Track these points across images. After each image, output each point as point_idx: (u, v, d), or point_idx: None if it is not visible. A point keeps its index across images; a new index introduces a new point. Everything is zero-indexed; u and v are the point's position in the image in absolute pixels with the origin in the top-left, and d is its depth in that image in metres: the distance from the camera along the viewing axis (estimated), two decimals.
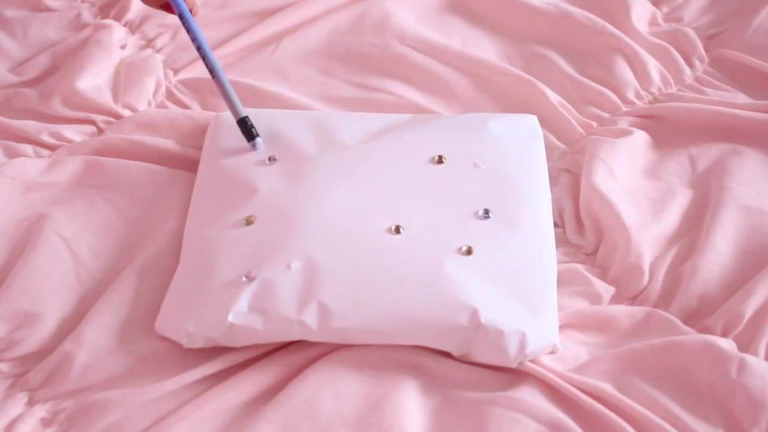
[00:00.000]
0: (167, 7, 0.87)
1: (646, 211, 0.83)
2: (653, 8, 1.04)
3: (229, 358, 0.72)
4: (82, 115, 0.92)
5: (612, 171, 0.85)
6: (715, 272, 0.78)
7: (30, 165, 0.87)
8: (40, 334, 0.75)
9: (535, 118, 0.89)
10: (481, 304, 0.71)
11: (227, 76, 0.96)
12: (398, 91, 0.95)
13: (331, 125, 0.87)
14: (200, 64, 0.98)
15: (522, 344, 0.70)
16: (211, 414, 0.69)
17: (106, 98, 0.93)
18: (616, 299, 0.78)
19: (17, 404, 0.71)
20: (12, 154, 0.89)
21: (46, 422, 0.70)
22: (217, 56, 0.98)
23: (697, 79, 0.96)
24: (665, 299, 0.77)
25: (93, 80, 0.94)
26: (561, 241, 0.82)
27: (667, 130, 0.91)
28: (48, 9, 1.05)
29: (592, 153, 0.87)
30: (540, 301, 0.74)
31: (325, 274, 0.73)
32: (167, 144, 0.89)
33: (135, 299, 0.76)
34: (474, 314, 0.70)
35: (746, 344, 0.73)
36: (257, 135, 0.84)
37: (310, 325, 0.71)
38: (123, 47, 0.99)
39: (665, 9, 1.04)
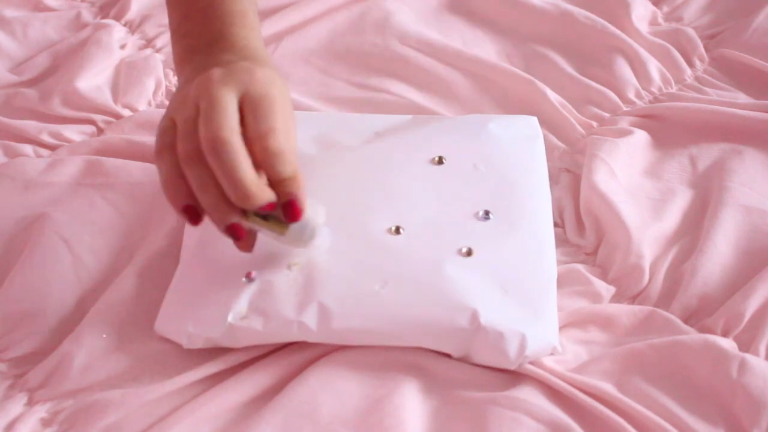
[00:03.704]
0: None
1: (646, 210, 0.83)
2: (653, 8, 1.04)
3: (229, 359, 0.72)
4: (82, 115, 0.92)
5: (612, 171, 0.85)
6: (715, 272, 0.78)
7: (30, 165, 0.87)
8: (40, 335, 0.75)
9: (535, 119, 0.89)
10: (481, 306, 0.71)
11: None
12: (398, 91, 0.95)
13: (332, 126, 0.87)
14: None
15: (522, 346, 0.70)
16: (211, 414, 0.69)
17: (106, 98, 0.93)
18: (616, 299, 0.78)
19: (17, 404, 0.71)
20: (12, 154, 0.89)
21: (45, 422, 0.70)
22: None
23: (698, 79, 0.96)
24: (666, 299, 0.77)
25: (93, 80, 0.94)
26: (561, 241, 0.82)
27: (668, 130, 0.91)
28: (48, 9, 1.05)
29: (593, 153, 0.87)
30: (540, 302, 0.73)
31: (324, 274, 0.73)
32: None
33: (135, 299, 0.76)
34: (474, 316, 0.70)
35: (747, 344, 0.73)
36: None
37: (309, 325, 0.71)
38: (123, 47, 0.99)
39: (665, 8, 1.04)
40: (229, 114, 0.68)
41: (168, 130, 0.70)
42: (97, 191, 0.85)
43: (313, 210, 0.72)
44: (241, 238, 0.70)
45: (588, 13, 1.01)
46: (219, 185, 0.68)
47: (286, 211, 0.70)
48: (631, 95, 0.94)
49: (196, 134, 0.68)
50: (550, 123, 0.91)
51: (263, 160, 0.68)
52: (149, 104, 0.94)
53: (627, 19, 1.01)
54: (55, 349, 0.73)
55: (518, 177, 0.82)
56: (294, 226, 0.71)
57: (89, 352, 0.73)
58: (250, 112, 0.69)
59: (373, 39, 1.00)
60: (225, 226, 0.70)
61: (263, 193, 0.68)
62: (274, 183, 0.69)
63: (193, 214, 0.70)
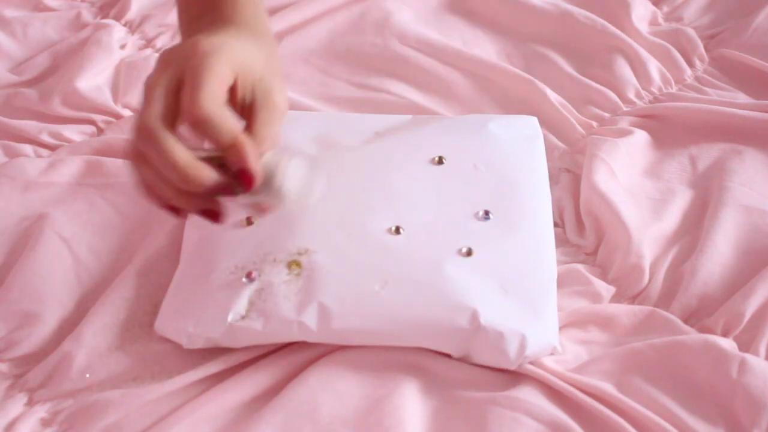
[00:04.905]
0: None
1: (646, 210, 0.83)
2: (653, 8, 1.04)
3: (229, 359, 0.72)
4: (82, 115, 0.92)
5: (612, 171, 0.85)
6: (715, 272, 0.78)
7: (30, 165, 0.87)
8: (40, 335, 0.75)
9: (535, 119, 0.89)
10: (481, 306, 0.71)
11: None
12: (398, 91, 0.95)
13: (332, 126, 0.87)
14: None
15: (522, 346, 0.70)
16: (211, 414, 0.69)
17: (106, 98, 0.93)
18: (616, 299, 0.78)
19: (17, 404, 0.71)
20: (12, 154, 0.89)
21: (45, 422, 0.70)
22: None
23: (698, 79, 0.96)
24: (666, 299, 0.77)
25: (93, 80, 0.94)
26: (561, 241, 0.82)
27: (668, 130, 0.91)
28: (48, 9, 1.05)
29: (593, 153, 0.87)
30: (540, 302, 0.73)
31: (324, 274, 0.73)
32: None
33: (135, 299, 0.76)
34: (474, 315, 0.70)
35: (747, 344, 0.73)
36: None
37: (309, 325, 0.71)
38: (123, 47, 0.99)
39: (665, 8, 1.04)
40: (154, 100, 0.65)
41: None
42: (97, 191, 0.85)
43: (277, 165, 0.69)
44: (218, 218, 0.69)
45: (588, 13, 1.01)
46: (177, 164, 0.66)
47: (239, 181, 0.67)
48: (631, 95, 0.94)
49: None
50: (550, 123, 0.91)
51: (197, 131, 0.65)
52: None
53: (627, 19, 1.01)
54: (55, 349, 0.73)
55: (518, 177, 0.82)
56: (262, 188, 0.68)
57: (89, 352, 0.73)
58: (184, 89, 0.66)
59: (373, 39, 1.00)
60: (199, 211, 0.69)
61: (201, 172, 0.65)
62: (224, 150, 0.66)
63: (174, 210, 0.69)
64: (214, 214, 0.69)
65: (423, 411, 0.69)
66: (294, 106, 0.92)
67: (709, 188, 0.85)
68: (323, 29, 1.01)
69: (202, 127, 0.65)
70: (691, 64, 0.97)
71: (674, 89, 0.95)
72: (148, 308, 0.76)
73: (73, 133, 0.91)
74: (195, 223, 0.80)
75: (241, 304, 0.72)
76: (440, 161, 0.82)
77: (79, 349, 0.73)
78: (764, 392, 0.68)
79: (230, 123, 0.66)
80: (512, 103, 0.94)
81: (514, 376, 0.71)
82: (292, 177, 0.70)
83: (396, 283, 0.72)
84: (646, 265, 0.79)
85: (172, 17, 1.02)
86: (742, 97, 0.93)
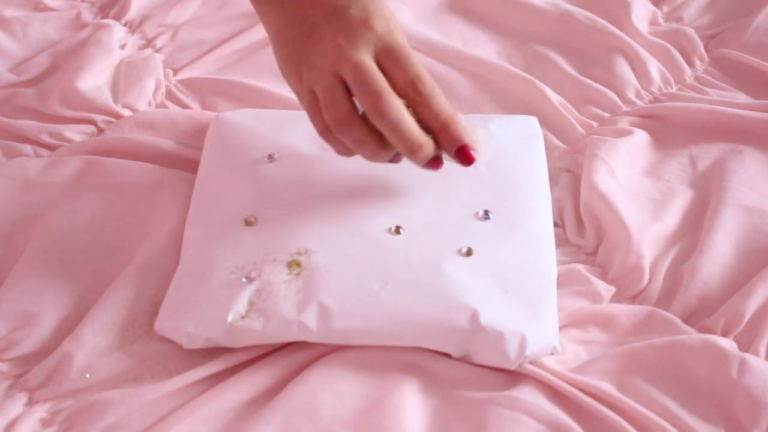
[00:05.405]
0: None
1: (646, 210, 0.83)
2: (653, 8, 1.04)
3: (229, 359, 0.72)
4: (82, 115, 0.92)
5: (612, 171, 0.85)
6: (715, 272, 0.78)
7: (30, 165, 0.87)
8: (40, 334, 0.75)
9: (535, 119, 0.89)
10: (481, 306, 0.71)
11: (228, 76, 0.96)
12: None
13: None
14: (200, 63, 0.98)
15: (522, 346, 0.70)
16: (211, 414, 0.69)
17: (105, 98, 0.93)
18: (616, 299, 0.78)
19: (17, 404, 0.71)
20: (12, 154, 0.89)
21: (45, 422, 0.70)
22: (217, 56, 0.99)
23: (698, 79, 0.96)
24: (666, 299, 0.77)
25: (93, 80, 0.94)
26: (561, 241, 0.82)
27: (668, 130, 0.91)
28: (48, 9, 1.05)
29: (593, 153, 0.87)
30: (540, 302, 0.74)
31: (324, 274, 0.73)
32: (167, 144, 0.89)
33: (135, 299, 0.76)
34: (474, 315, 0.70)
35: (747, 344, 0.73)
36: None
37: (309, 326, 0.71)
38: (123, 47, 0.99)
39: (665, 8, 1.04)
40: (379, 75, 0.72)
41: (316, 104, 0.75)
42: (97, 191, 0.85)
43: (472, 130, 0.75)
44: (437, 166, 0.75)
45: (588, 13, 1.01)
46: (374, 137, 0.74)
47: (458, 158, 0.74)
48: (631, 95, 0.94)
49: (343, 101, 0.73)
50: (550, 123, 0.91)
51: (418, 106, 0.73)
52: (149, 104, 0.94)
53: (627, 19, 1.01)
54: (55, 349, 0.73)
55: (518, 177, 0.82)
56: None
57: (89, 352, 0.73)
58: (389, 65, 0.73)
59: None
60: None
61: (429, 145, 0.73)
62: (436, 129, 0.74)
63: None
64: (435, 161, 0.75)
65: (423, 411, 0.69)
66: (294, 107, 0.92)
67: (709, 188, 0.85)
68: None
69: (427, 103, 0.73)
70: (691, 64, 0.98)
71: (674, 89, 0.95)
72: (148, 308, 0.76)
73: (73, 133, 0.91)
74: (195, 223, 0.80)
75: (241, 304, 0.72)
76: None
77: (79, 349, 0.72)
78: (764, 392, 0.68)
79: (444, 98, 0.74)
80: (512, 103, 0.94)
81: (514, 376, 0.71)
82: (482, 137, 0.78)
83: (396, 283, 0.72)
84: (646, 265, 0.79)
85: (172, 17, 1.02)
86: (742, 97, 0.93)
